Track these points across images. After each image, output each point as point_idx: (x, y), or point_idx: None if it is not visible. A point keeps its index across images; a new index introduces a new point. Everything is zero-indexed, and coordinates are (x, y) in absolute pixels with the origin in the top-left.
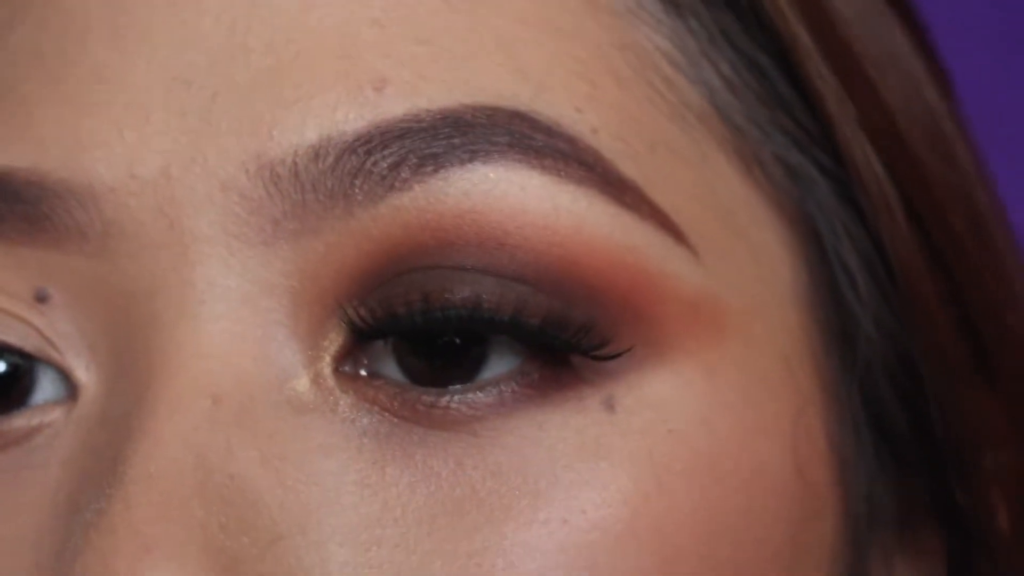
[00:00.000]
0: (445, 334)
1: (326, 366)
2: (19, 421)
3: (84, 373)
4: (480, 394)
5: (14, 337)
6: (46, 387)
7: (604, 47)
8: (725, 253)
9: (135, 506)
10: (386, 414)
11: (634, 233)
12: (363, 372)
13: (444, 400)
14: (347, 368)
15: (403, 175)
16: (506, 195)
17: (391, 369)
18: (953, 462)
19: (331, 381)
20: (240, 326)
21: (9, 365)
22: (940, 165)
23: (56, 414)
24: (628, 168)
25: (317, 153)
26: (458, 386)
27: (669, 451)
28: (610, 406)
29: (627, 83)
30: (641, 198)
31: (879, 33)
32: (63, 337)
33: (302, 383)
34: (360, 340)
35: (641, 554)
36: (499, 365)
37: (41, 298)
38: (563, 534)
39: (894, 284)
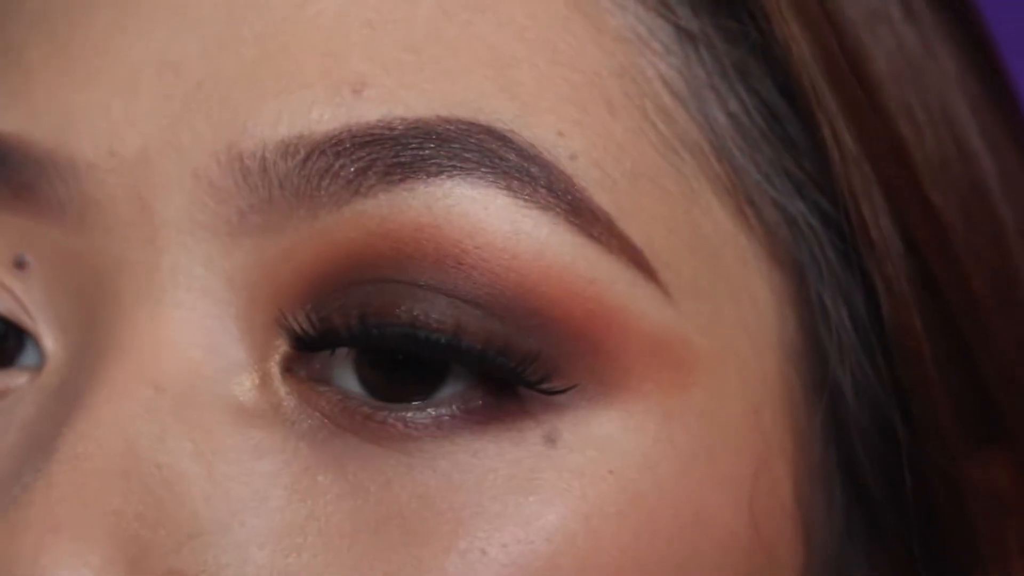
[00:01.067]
0: (387, 351)
1: (275, 365)
2: None
3: (52, 342)
4: (419, 415)
5: None
6: (30, 354)
7: (601, 72)
8: (702, 294)
9: (55, 485)
10: (326, 421)
11: (598, 265)
12: (312, 376)
13: (381, 415)
14: (297, 369)
15: (369, 181)
16: (467, 213)
17: (348, 378)
18: (960, 533)
19: (277, 381)
20: (197, 316)
21: None
22: (968, 228)
23: (21, 380)
24: (602, 198)
25: (287, 149)
26: (419, 402)
27: (605, 493)
28: (551, 440)
29: (619, 111)
30: (611, 230)
31: (922, 80)
32: (37, 305)
33: (248, 380)
34: (300, 348)
35: None
36: (452, 387)
37: (19, 264)
38: (480, 566)
39: (886, 345)
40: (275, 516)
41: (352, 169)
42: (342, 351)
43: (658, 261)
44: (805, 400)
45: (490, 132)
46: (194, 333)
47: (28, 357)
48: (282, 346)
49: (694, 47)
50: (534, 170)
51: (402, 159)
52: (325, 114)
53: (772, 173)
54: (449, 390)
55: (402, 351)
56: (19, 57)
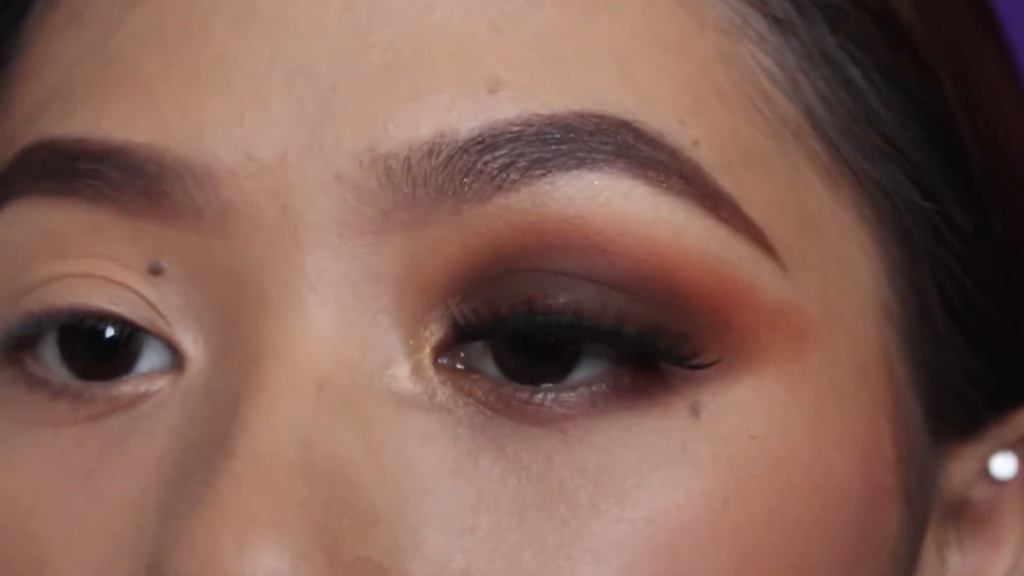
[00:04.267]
0: (542, 340)
1: (426, 356)
2: (125, 387)
3: (192, 346)
4: (572, 394)
5: (125, 308)
6: (151, 356)
7: (709, 62)
8: (811, 266)
9: (243, 482)
10: (481, 407)
11: (728, 246)
12: (460, 366)
13: (538, 397)
14: (445, 360)
15: (512, 176)
16: (609, 203)
17: (487, 364)
18: None
19: (430, 371)
20: (346, 313)
21: (118, 332)
22: None
23: (162, 383)
24: (725, 182)
25: (431, 150)
26: (550, 384)
27: (749, 457)
28: (695, 412)
29: (728, 98)
30: (736, 212)
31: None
32: (173, 310)
33: (403, 371)
34: (461, 338)
35: (720, 556)
36: (591, 365)
37: (155, 271)
38: (648, 533)
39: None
40: (445, 499)
41: (495, 166)
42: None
43: (775, 238)
44: (899, 354)
45: (621, 123)
46: (347, 329)
47: (147, 362)
48: (432, 337)
49: (783, 33)
50: (665, 158)
51: (543, 154)
52: (465, 114)
53: (862, 147)
54: (586, 370)
55: (561, 338)
56: (134, 71)
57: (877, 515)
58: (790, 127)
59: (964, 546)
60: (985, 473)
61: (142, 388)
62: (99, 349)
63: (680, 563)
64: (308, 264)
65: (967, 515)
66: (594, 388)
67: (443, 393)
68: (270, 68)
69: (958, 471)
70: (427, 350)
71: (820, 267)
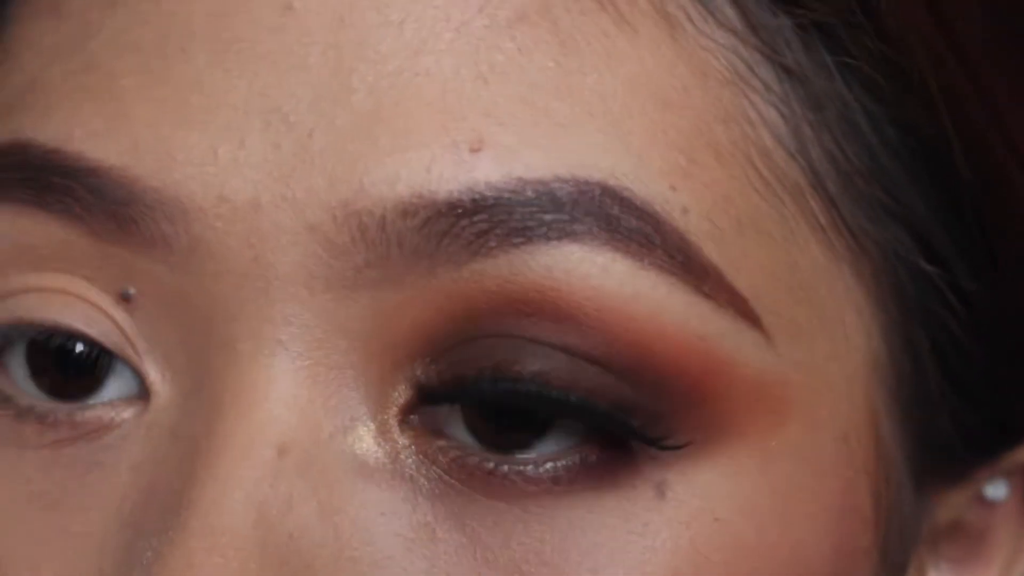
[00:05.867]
0: (511, 407)
1: (392, 417)
2: (90, 414)
3: (158, 379)
4: (537, 469)
5: (96, 331)
6: (119, 381)
7: (707, 119)
8: (799, 332)
9: (196, 564)
10: (444, 475)
11: (710, 321)
12: (428, 426)
13: (502, 470)
14: (414, 419)
15: (490, 243)
16: (588, 275)
17: (457, 426)
18: None
19: (396, 433)
20: (313, 368)
21: (88, 351)
22: None
23: (127, 414)
24: (712, 251)
25: (406, 210)
26: (517, 455)
27: (712, 541)
28: (661, 493)
29: (725, 158)
30: (720, 284)
31: None
32: (143, 339)
33: (367, 434)
34: (425, 401)
35: None
36: (562, 436)
37: (125, 297)
38: None
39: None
40: (398, 573)
41: (472, 231)
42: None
43: (761, 307)
44: (887, 412)
45: (607, 192)
46: (312, 386)
47: (114, 385)
48: (400, 398)
49: (791, 82)
50: (650, 230)
51: (524, 223)
52: (445, 174)
53: (864, 204)
54: (557, 441)
55: (528, 407)
56: (110, 83)
57: (852, 572)
58: (788, 186)
59: (950, 566)
60: (978, 497)
61: (107, 416)
62: (68, 367)
63: None
64: (277, 315)
65: (957, 536)
66: (559, 464)
67: (407, 457)
68: (247, 103)
69: (948, 508)
70: (393, 410)
71: (809, 332)
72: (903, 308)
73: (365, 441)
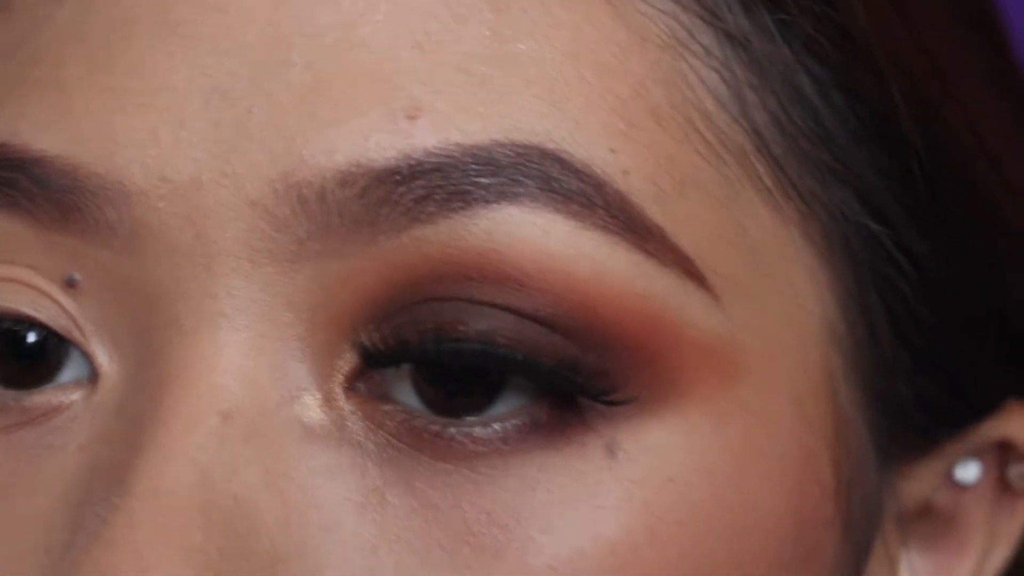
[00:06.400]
0: (457, 367)
1: (338, 385)
2: (39, 398)
3: (106, 361)
4: (485, 430)
5: (44, 316)
6: (73, 367)
7: (646, 83)
8: (748, 294)
9: (137, 524)
10: (392, 439)
11: (654, 280)
12: (375, 393)
13: (449, 431)
14: (360, 386)
15: (429, 209)
16: (529, 238)
17: (406, 393)
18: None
19: (342, 401)
20: (257, 339)
21: (40, 337)
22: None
23: (76, 396)
24: (655, 212)
25: (345, 180)
26: (465, 418)
27: (665, 501)
28: (612, 451)
29: (665, 121)
30: (664, 244)
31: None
32: (90, 322)
33: (313, 401)
34: (371, 365)
35: None
36: (512, 399)
37: (70, 283)
38: None
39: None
40: (347, 538)
41: (412, 197)
42: (405, 366)
43: (707, 268)
44: (844, 378)
45: (546, 155)
46: (257, 357)
47: (68, 373)
48: (345, 366)
49: (732, 47)
50: (590, 191)
51: (462, 187)
52: (382, 142)
53: (811, 167)
54: (508, 403)
55: (473, 367)
56: (55, 74)
57: (808, 547)
58: (732, 149)
59: (922, 553)
60: (948, 479)
61: (55, 400)
62: (21, 356)
63: None
64: (220, 290)
65: (927, 520)
66: (508, 424)
67: (353, 424)
68: (187, 84)
69: (915, 485)
70: (339, 379)
71: (759, 294)
72: (855, 272)
73: (311, 409)
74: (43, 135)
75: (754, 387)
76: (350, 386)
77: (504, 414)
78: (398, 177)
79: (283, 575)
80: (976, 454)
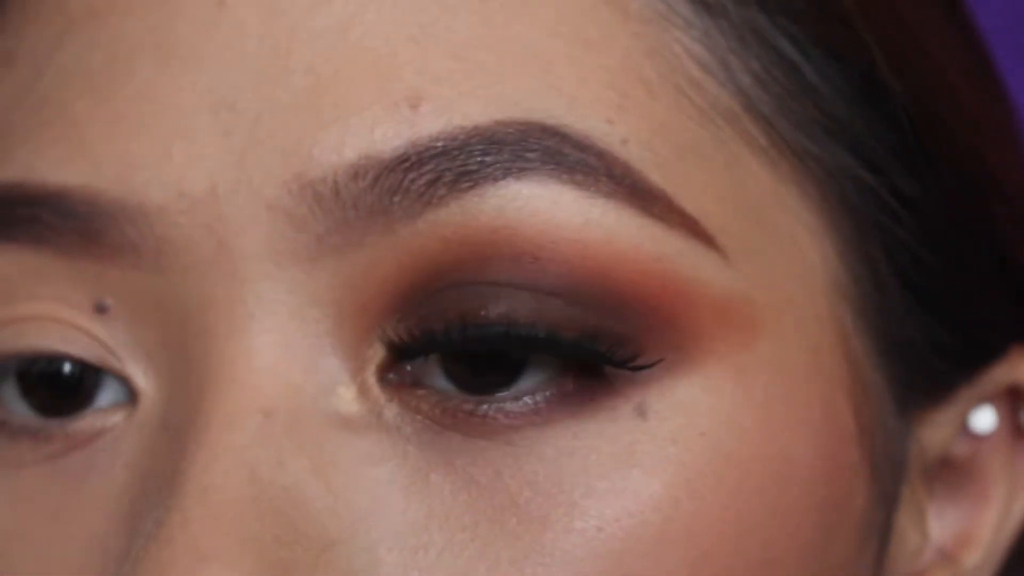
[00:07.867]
0: (484, 351)
1: (371, 375)
2: (82, 424)
3: (143, 380)
4: (516, 404)
5: (77, 348)
6: (109, 391)
7: (633, 55)
8: (755, 252)
9: (192, 519)
10: (429, 422)
11: (663, 242)
12: (407, 381)
13: (483, 408)
14: (392, 376)
15: (440, 192)
16: (538, 210)
17: (435, 375)
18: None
19: (376, 390)
20: (288, 338)
21: (74, 368)
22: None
23: (118, 418)
24: (657, 177)
25: (356, 172)
26: (497, 394)
27: (699, 455)
28: (642, 413)
29: (656, 90)
30: (670, 207)
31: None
32: (122, 346)
33: (348, 393)
34: (399, 358)
35: (673, 558)
36: (538, 371)
37: (100, 309)
38: (598, 542)
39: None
40: (397, 518)
41: (422, 183)
42: (432, 356)
43: (713, 227)
44: (855, 329)
45: (546, 130)
46: (290, 355)
47: (106, 396)
48: (376, 356)
49: (711, 16)
50: (593, 160)
51: (468, 167)
52: (388, 132)
53: (800, 123)
54: (534, 377)
55: (499, 348)
56: (63, 111)
57: (840, 492)
58: (723, 112)
59: (948, 505)
60: (964, 429)
61: (98, 424)
62: (58, 386)
63: (632, 569)
64: (248, 295)
65: (949, 472)
66: (538, 397)
67: (389, 411)
68: (195, 101)
69: (934, 433)
70: (371, 369)
71: (764, 251)
72: (855, 224)
73: (347, 401)
74: (59, 169)
75: (770, 341)
76: (382, 377)
77: (532, 387)
78: (407, 164)
79: (338, 556)
80: (989, 400)
